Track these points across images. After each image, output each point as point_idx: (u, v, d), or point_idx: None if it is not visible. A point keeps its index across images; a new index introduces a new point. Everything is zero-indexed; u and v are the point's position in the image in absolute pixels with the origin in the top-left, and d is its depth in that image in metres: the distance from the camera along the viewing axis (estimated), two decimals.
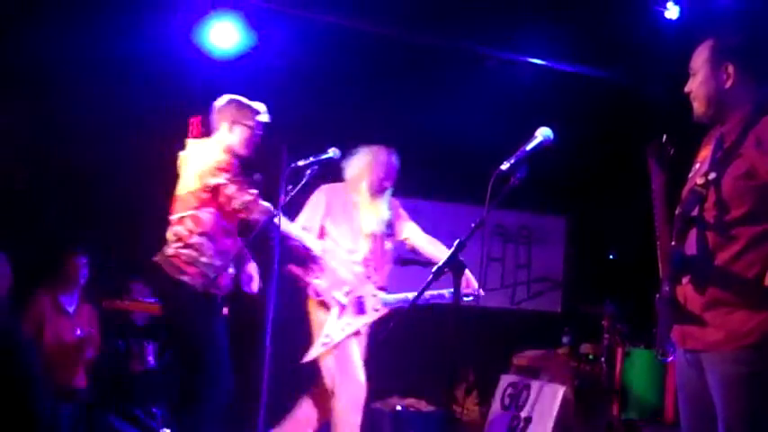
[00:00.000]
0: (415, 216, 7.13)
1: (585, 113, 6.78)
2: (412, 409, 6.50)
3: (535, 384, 5.60)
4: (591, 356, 6.09)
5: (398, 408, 6.48)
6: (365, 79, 6.59)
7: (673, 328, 2.72)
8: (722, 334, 2.57)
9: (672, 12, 6.06)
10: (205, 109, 6.08)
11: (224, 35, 5.98)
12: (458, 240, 2.80)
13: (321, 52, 6.25)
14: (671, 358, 2.83)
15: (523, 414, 5.37)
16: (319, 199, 4.95)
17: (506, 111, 6.40)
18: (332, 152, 3.97)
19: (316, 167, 3.89)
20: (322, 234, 4.92)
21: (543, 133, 2.94)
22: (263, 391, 6.44)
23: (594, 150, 7.13)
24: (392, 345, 6.18)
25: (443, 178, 7.03)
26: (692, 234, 2.67)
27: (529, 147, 2.90)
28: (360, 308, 4.90)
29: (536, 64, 6.73)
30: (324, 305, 4.95)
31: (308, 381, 6.56)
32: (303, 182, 3.84)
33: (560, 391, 5.45)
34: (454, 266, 2.79)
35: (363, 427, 6.67)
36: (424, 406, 6.46)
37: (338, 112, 6.48)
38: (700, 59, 2.76)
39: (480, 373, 6.86)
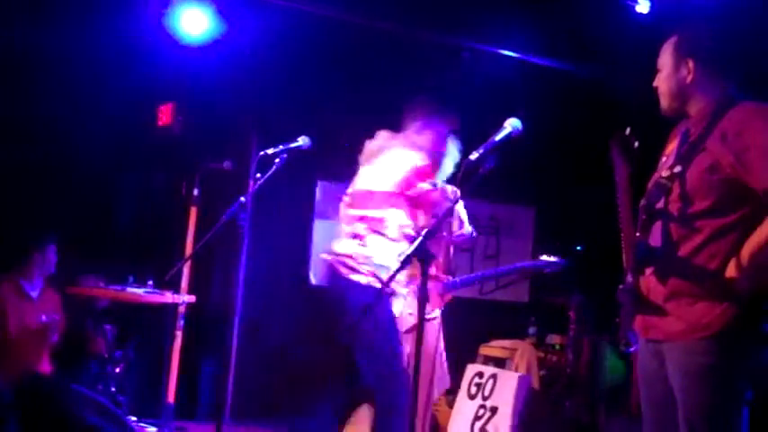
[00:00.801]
0: None
1: (556, 106, 6.81)
2: None
3: (501, 374, 5.63)
4: (557, 346, 6.15)
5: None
6: (337, 68, 6.56)
7: (635, 318, 2.76)
8: (683, 325, 2.61)
9: (643, 6, 6.09)
10: (175, 96, 6.07)
11: (194, 22, 5.92)
12: (426, 229, 2.81)
13: (292, 40, 6.22)
14: (634, 348, 2.87)
15: (489, 403, 5.39)
16: None
17: (478, 102, 6.41)
18: (301, 140, 3.94)
19: (285, 156, 3.86)
20: None
21: (512, 124, 2.95)
22: (230, 378, 6.46)
23: (564, 142, 7.17)
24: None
25: None
26: (657, 226, 2.71)
27: (498, 137, 2.92)
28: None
29: (508, 56, 6.74)
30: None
31: (279, 368, 6.59)
32: (272, 170, 3.82)
33: (526, 381, 5.49)
34: (422, 255, 2.79)
35: (331, 414, 6.70)
36: None
37: (309, 100, 6.46)
38: (664, 56, 2.82)
39: (448, 362, 6.89)
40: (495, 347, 6.42)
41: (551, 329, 6.49)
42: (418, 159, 4.13)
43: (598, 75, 6.74)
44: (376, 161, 4.22)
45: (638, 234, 2.71)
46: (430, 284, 4.47)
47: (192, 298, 5.66)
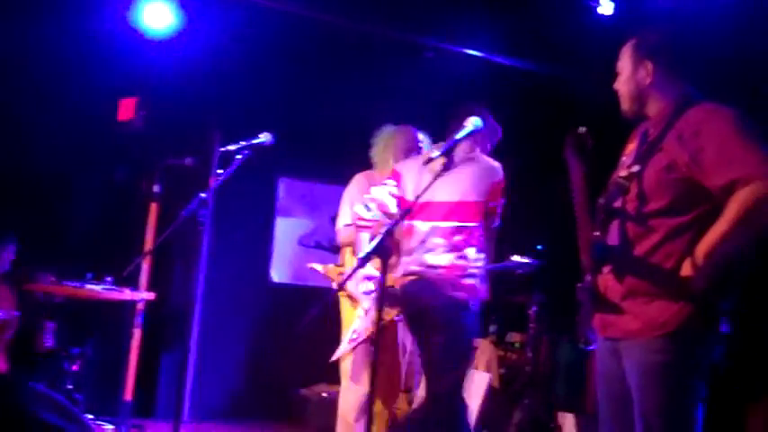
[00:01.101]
0: None
1: (520, 105, 6.85)
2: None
3: None
4: (517, 345, 6.18)
5: (324, 395, 6.49)
6: (301, 65, 6.55)
7: (594, 316, 2.79)
8: (640, 323, 2.64)
9: (605, 8, 6.16)
10: (137, 91, 6.00)
11: (157, 16, 5.87)
12: (386, 227, 2.81)
13: (256, 36, 6.20)
14: (593, 347, 2.90)
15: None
16: (352, 190, 4.91)
17: (441, 100, 6.43)
18: (263, 137, 3.91)
19: (247, 152, 3.82)
20: None
21: (473, 122, 2.98)
22: (189, 377, 6.41)
23: (526, 141, 7.21)
24: (321, 332, 6.21)
25: None
26: (614, 225, 2.74)
27: (458, 135, 2.94)
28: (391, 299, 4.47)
29: (472, 55, 6.77)
30: (352, 299, 4.60)
31: (235, 367, 6.56)
32: (233, 166, 3.79)
33: (486, 379, 5.53)
34: (382, 252, 2.79)
35: (289, 414, 6.69)
36: None
37: (273, 97, 6.44)
38: (623, 58, 2.86)
39: (408, 359, 6.90)
40: None
41: (511, 328, 6.53)
42: (500, 171, 4.03)
43: (561, 74, 6.79)
44: (454, 172, 3.88)
45: (596, 233, 2.74)
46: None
47: (151, 295, 5.60)
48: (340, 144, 6.77)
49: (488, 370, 5.91)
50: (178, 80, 5.99)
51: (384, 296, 3.00)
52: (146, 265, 5.62)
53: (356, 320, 4.55)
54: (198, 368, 6.45)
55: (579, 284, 2.77)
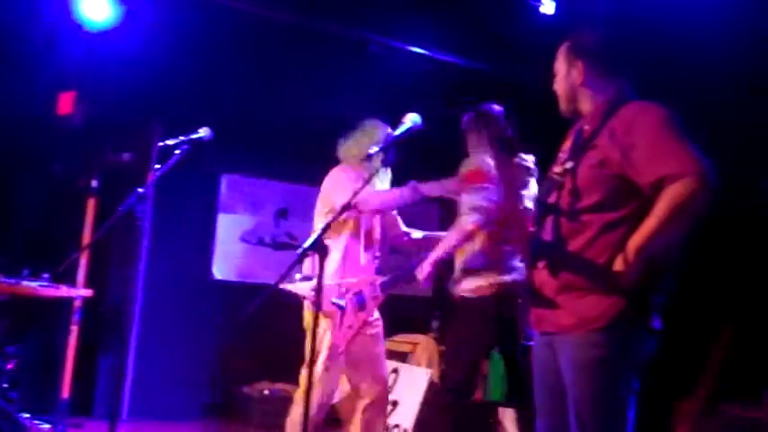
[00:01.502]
0: (294, 201, 7.13)
1: (463, 103, 6.88)
2: (281, 394, 6.49)
3: (403, 368, 5.68)
4: None
5: (266, 392, 6.46)
6: (244, 60, 6.49)
7: (530, 311, 2.83)
8: (574, 318, 2.67)
9: (547, 7, 6.22)
10: (77, 85, 5.90)
11: (96, 8, 5.77)
12: (324, 223, 2.80)
13: (198, 30, 6.12)
14: (533, 342, 2.94)
15: (391, 397, 5.43)
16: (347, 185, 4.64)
17: (386, 97, 6.43)
18: (203, 132, 3.87)
19: (186, 147, 3.78)
20: None
21: (412, 119, 3.00)
22: (128, 375, 6.33)
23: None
24: (263, 329, 6.18)
25: (323, 163, 7.04)
26: (549, 220, 2.78)
27: (397, 132, 2.95)
28: (360, 303, 4.39)
29: (417, 52, 6.78)
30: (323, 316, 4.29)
31: (176, 365, 6.49)
32: (172, 162, 3.74)
33: (427, 375, 5.55)
34: (319, 249, 2.79)
35: (231, 412, 6.64)
36: (293, 390, 6.45)
37: (215, 92, 6.38)
38: (559, 60, 2.93)
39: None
40: (397, 342, 6.46)
41: None
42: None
43: (505, 72, 6.84)
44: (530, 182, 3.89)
45: (531, 229, 2.79)
46: (363, 291, 4.35)
47: (88, 292, 5.51)
48: (283, 140, 6.76)
49: (430, 366, 5.94)
50: (118, 74, 5.88)
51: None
52: (83, 262, 5.53)
53: (329, 334, 4.33)
54: (138, 366, 6.37)
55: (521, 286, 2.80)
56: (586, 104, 2.86)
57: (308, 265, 4.07)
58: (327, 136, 6.63)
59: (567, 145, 2.93)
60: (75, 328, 5.49)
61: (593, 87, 2.84)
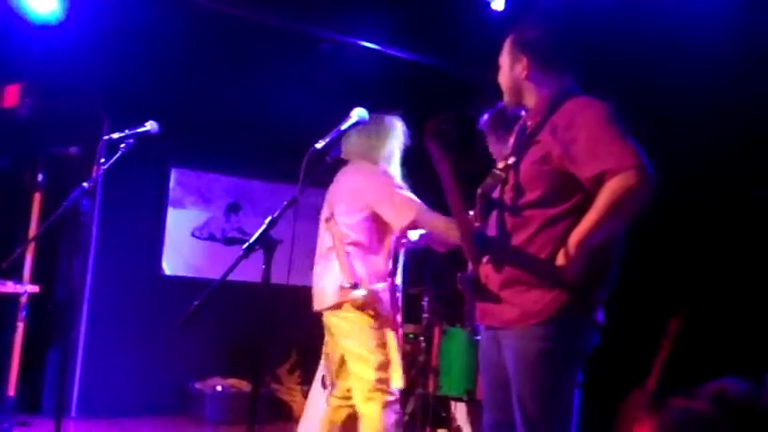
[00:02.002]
0: (245, 196, 7.10)
1: (414, 98, 6.89)
2: (233, 389, 6.47)
3: None
4: (411, 335, 6.23)
5: (219, 388, 6.43)
6: (196, 54, 6.45)
7: (475, 305, 2.84)
8: (517, 312, 2.69)
9: (497, 3, 6.26)
10: (22, 77, 5.80)
11: (42, 0, 5.68)
12: (269, 218, 2.79)
13: (147, 23, 6.06)
14: (480, 337, 2.95)
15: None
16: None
17: (336, 92, 6.43)
18: (149, 125, 3.83)
19: (131, 141, 3.74)
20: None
21: (358, 114, 2.99)
22: (77, 372, 6.25)
23: (420, 135, 7.27)
24: (214, 324, 6.15)
25: (275, 158, 7.02)
26: (493, 215, 2.80)
27: (344, 126, 2.94)
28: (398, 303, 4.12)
29: (367, 47, 6.78)
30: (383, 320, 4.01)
31: (126, 361, 6.43)
32: (117, 156, 3.70)
33: None
34: (265, 244, 2.77)
35: (183, 408, 6.60)
36: (245, 386, 6.44)
37: (165, 85, 6.32)
38: (503, 54, 2.92)
39: (304, 352, 6.90)
40: None
41: (406, 319, 6.56)
42: None
43: (454, 69, 6.87)
44: None
45: (476, 223, 2.78)
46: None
47: (35, 288, 5.43)
48: (235, 135, 6.72)
49: None
50: (65, 66, 5.81)
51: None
52: (29, 257, 5.46)
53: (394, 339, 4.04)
54: (86, 362, 6.30)
55: (459, 274, 2.81)
56: (530, 99, 2.86)
57: (358, 268, 3.90)
58: (279, 131, 6.65)
59: (512, 140, 2.95)
60: (21, 325, 5.42)
61: (537, 82, 2.84)
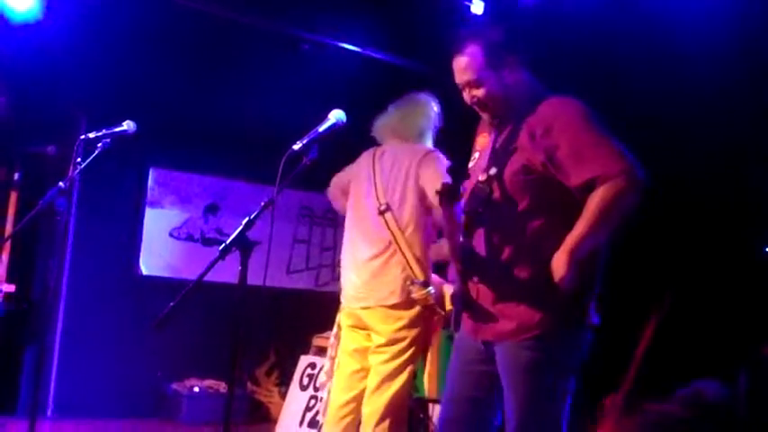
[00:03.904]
0: (224, 197, 7.07)
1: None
2: (210, 390, 6.45)
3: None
4: None
5: (196, 389, 6.41)
6: (175, 53, 6.41)
7: (465, 320, 2.76)
8: (512, 325, 2.61)
9: (477, 7, 6.27)
10: (0, 75, 5.76)
11: None
12: (246, 218, 2.78)
13: (126, 22, 6.03)
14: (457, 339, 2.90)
15: (321, 394, 5.43)
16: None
17: (315, 94, 6.42)
18: (126, 125, 3.80)
19: (108, 140, 3.72)
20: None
21: (336, 116, 2.97)
22: (53, 372, 6.21)
23: None
24: (191, 325, 6.12)
25: (254, 158, 7.00)
26: (480, 230, 2.68)
27: (321, 128, 2.92)
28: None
29: (348, 49, 6.78)
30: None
31: (103, 362, 6.39)
32: (94, 155, 3.68)
33: None
34: (242, 245, 2.76)
35: (160, 409, 6.57)
36: (222, 387, 6.42)
37: (143, 85, 6.28)
38: (474, 69, 2.71)
39: (282, 353, 6.89)
40: (328, 338, 6.44)
41: None
42: None
43: (433, 72, 6.87)
44: None
45: (461, 239, 2.69)
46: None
47: (11, 287, 5.40)
48: (213, 135, 6.69)
49: None
50: (42, 65, 5.76)
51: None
52: (5, 256, 5.42)
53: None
54: (62, 363, 6.25)
55: (451, 293, 2.76)
56: (511, 104, 2.73)
57: (425, 263, 3.73)
58: (258, 132, 6.63)
59: (483, 143, 2.84)
60: None
61: (518, 84, 2.73)
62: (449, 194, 2.62)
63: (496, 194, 2.64)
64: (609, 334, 5.01)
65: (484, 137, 2.87)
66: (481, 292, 2.68)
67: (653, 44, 5.32)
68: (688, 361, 5.09)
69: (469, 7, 6.29)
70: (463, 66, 2.73)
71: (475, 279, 2.68)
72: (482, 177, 2.69)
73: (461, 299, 2.72)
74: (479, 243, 2.68)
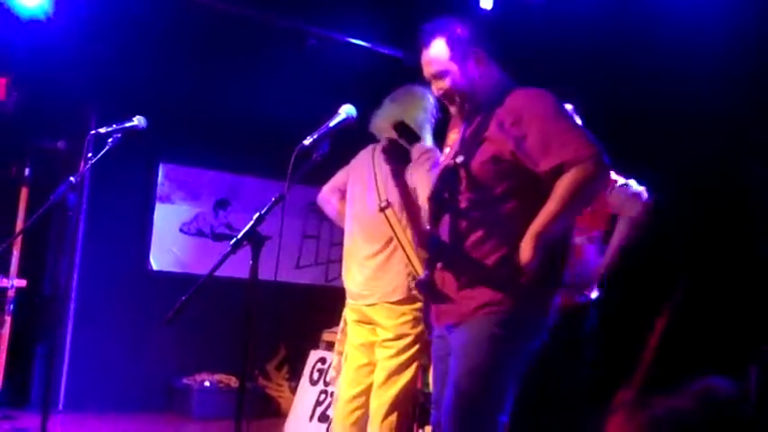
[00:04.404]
0: (234, 192, 7.08)
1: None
2: (221, 385, 6.46)
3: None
4: None
5: (207, 383, 6.43)
6: (185, 49, 6.42)
7: (431, 307, 2.80)
8: (473, 304, 2.63)
9: (486, 2, 6.25)
10: (9, 71, 5.77)
11: None
12: (257, 213, 2.78)
13: (136, 17, 6.04)
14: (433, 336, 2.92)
15: (330, 389, 5.44)
16: None
17: (325, 89, 6.42)
18: (137, 120, 3.82)
19: (119, 136, 3.74)
20: None
21: (346, 111, 2.97)
22: (64, 367, 6.24)
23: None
24: (202, 320, 6.14)
25: (264, 153, 7.00)
26: (446, 217, 2.73)
27: (332, 123, 2.92)
28: None
29: (356, 45, 6.78)
30: None
31: (115, 356, 6.41)
32: (104, 150, 3.70)
33: None
34: (253, 240, 2.77)
35: (171, 403, 6.59)
36: (233, 381, 6.44)
37: (153, 80, 6.30)
38: (439, 61, 2.80)
39: (292, 348, 6.90)
40: (337, 333, 6.46)
41: None
42: None
43: None
44: None
45: (428, 227, 2.73)
46: None
47: (22, 282, 5.42)
48: (223, 130, 6.70)
49: None
50: (52, 60, 5.78)
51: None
52: (16, 251, 5.44)
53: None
54: (73, 357, 6.28)
55: (415, 279, 2.77)
56: (479, 96, 2.79)
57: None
58: (267, 127, 6.63)
59: (454, 137, 2.89)
60: (8, 319, 5.41)
61: (485, 76, 2.78)
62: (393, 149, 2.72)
63: (462, 182, 2.68)
64: (620, 330, 5.03)
65: (455, 133, 2.92)
66: (446, 280, 2.70)
67: (655, 43, 5.31)
68: (698, 357, 5.07)
69: (479, 2, 6.27)
70: (428, 59, 2.83)
71: (439, 266, 2.71)
72: (449, 164, 2.74)
73: (427, 286, 2.72)
74: (444, 230, 2.72)
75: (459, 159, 2.69)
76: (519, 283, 2.57)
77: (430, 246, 2.72)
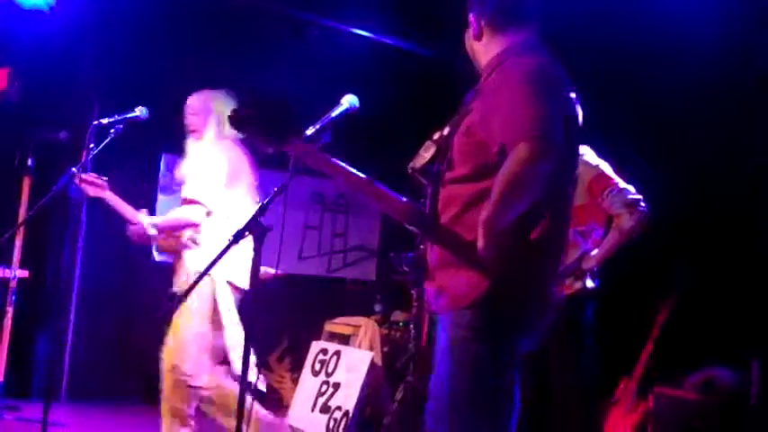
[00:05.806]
0: None
1: (405, 86, 6.89)
2: None
3: (345, 350, 5.69)
4: (401, 323, 6.26)
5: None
6: (186, 39, 6.41)
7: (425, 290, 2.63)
8: (447, 297, 2.47)
9: None
10: (12, 61, 5.77)
11: None
12: (259, 204, 2.78)
13: (138, 7, 6.03)
14: None
15: (333, 379, 5.45)
16: None
17: (327, 79, 6.42)
18: (138, 111, 3.83)
19: (120, 126, 3.74)
20: None
21: (349, 101, 2.96)
22: (66, 357, 6.25)
23: (411, 122, 7.26)
24: None
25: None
26: (429, 190, 2.59)
27: (334, 113, 2.91)
28: None
29: (358, 34, 6.77)
30: None
31: (117, 348, 6.42)
32: (107, 140, 3.70)
33: (369, 357, 5.57)
34: (255, 230, 2.76)
35: None
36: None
37: (156, 70, 6.29)
38: (468, 33, 2.71)
39: (294, 339, 6.91)
40: (339, 324, 6.48)
41: (397, 307, 6.60)
42: None
43: (446, 56, 6.86)
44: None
45: (420, 200, 2.59)
46: None
47: (24, 272, 5.42)
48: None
49: (372, 348, 5.97)
50: (55, 51, 5.78)
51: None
52: (18, 242, 5.44)
53: None
54: (76, 348, 6.29)
55: (402, 254, 2.66)
56: (481, 63, 2.65)
57: None
58: None
59: None
60: (10, 309, 5.41)
61: (485, 43, 2.62)
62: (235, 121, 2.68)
63: (445, 155, 2.54)
64: (622, 321, 5.03)
65: None
66: (430, 258, 2.55)
67: (659, 42, 5.30)
68: (701, 347, 5.08)
69: None
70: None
71: (426, 242, 2.58)
72: (435, 136, 2.61)
73: (417, 263, 2.61)
74: (426, 204, 2.57)
75: (445, 131, 2.56)
76: (482, 272, 2.35)
77: (414, 219, 2.53)
